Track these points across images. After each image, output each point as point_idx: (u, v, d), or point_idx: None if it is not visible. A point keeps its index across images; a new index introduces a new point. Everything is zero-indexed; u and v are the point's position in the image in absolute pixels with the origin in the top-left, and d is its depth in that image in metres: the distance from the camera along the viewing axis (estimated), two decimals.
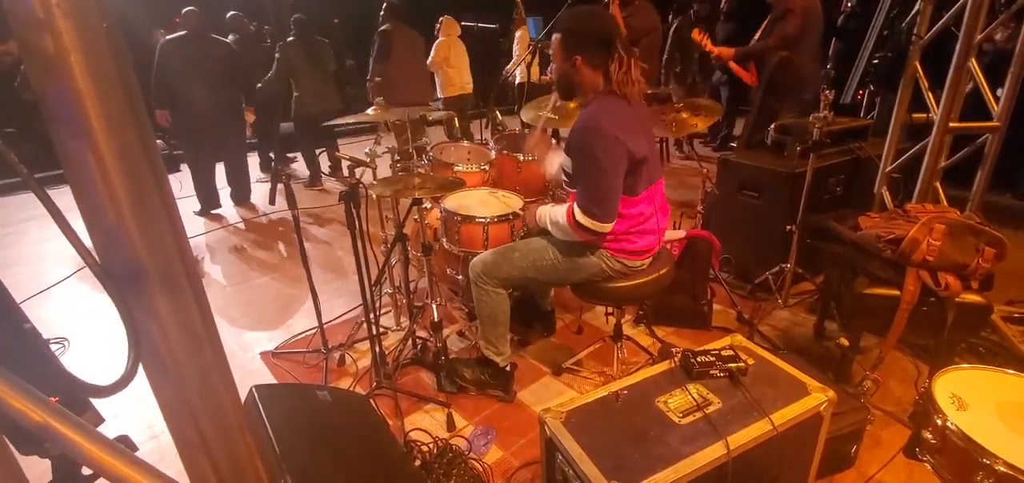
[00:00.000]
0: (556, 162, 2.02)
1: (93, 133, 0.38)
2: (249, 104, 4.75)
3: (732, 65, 4.01)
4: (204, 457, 0.54)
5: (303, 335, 2.74)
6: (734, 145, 5.63)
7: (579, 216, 1.81)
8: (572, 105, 2.72)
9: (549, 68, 2.52)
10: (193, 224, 4.60)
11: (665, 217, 2.01)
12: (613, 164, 1.76)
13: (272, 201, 2.22)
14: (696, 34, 3.75)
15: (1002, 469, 0.97)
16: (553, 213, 1.97)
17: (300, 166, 5.98)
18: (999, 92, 2.57)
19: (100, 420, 0.64)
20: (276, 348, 2.66)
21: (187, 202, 4.84)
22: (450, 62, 5.64)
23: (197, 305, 0.48)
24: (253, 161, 5.98)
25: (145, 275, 0.43)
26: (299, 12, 5.03)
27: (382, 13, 5.16)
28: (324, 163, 5.75)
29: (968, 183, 2.76)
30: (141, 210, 0.41)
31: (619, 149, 1.75)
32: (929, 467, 1.13)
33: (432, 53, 5.59)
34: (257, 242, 4.25)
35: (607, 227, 1.82)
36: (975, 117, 2.64)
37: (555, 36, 1.86)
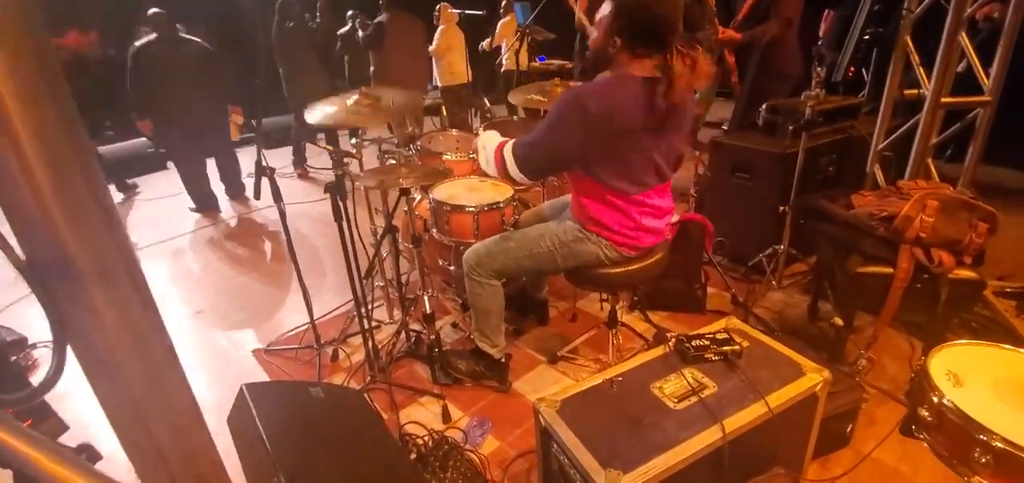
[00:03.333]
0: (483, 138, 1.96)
1: (6, 113, 0.35)
2: (235, 105, 4.65)
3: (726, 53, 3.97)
4: (159, 462, 0.51)
5: (296, 331, 2.71)
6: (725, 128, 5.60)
7: (507, 153, 1.78)
8: (560, 88, 2.68)
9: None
10: (185, 221, 4.54)
11: (670, 212, 1.97)
12: (569, 144, 1.67)
13: (257, 195, 2.19)
14: None
15: (999, 445, 0.96)
16: (488, 139, 1.92)
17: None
18: (990, 69, 2.56)
19: (63, 429, 0.61)
20: (268, 345, 2.63)
21: (180, 199, 4.79)
22: (451, 50, 5.59)
23: (139, 298, 0.45)
24: (247, 156, 5.90)
25: (76, 269, 0.39)
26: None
27: (381, 2, 5.09)
28: (312, 154, 5.70)
29: (960, 158, 2.76)
30: (66, 198, 0.38)
31: (588, 132, 1.63)
32: (926, 445, 1.12)
33: (435, 41, 5.53)
34: (249, 238, 4.21)
35: (520, 177, 1.79)
36: (966, 93, 2.64)
37: (607, 3, 1.68)
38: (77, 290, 0.40)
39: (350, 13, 5.41)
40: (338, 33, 5.52)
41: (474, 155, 2.79)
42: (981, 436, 0.99)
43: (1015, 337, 2.13)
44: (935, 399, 1.11)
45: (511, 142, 1.80)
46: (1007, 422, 1.00)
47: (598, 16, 1.72)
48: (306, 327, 2.51)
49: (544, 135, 1.72)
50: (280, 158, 5.77)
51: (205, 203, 4.71)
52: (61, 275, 0.39)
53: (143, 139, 6.09)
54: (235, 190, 4.96)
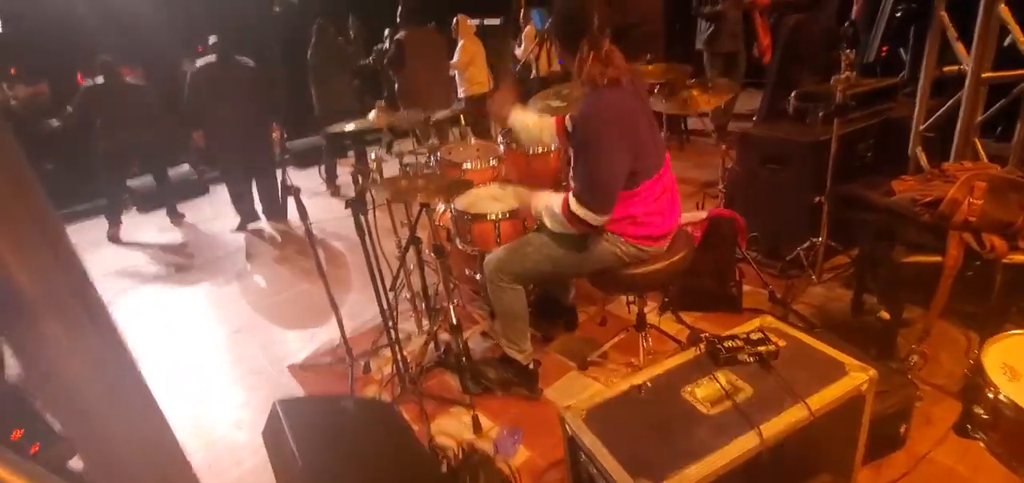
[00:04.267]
0: (525, 119, 2.01)
1: None
2: (277, 123, 4.88)
3: (757, 17, 3.85)
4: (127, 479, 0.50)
5: (329, 346, 2.76)
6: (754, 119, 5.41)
7: (574, 205, 1.75)
8: (578, 92, 2.65)
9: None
10: (230, 241, 4.71)
11: (676, 197, 1.94)
12: (611, 151, 1.70)
13: (283, 214, 2.25)
14: None
15: None
16: (549, 202, 1.90)
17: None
18: None
19: (72, 452, 0.62)
20: (303, 361, 2.68)
21: (218, 222, 4.97)
22: (474, 63, 5.64)
23: (106, 334, 0.45)
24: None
25: (29, 304, 0.39)
26: (321, 16, 5.13)
27: (398, 17, 5.19)
28: (343, 170, 5.83)
29: (1009, 136, 2.59)
30: (8, 232, 0.38)
31: (619, 138, 1.70)
32: (982, 445, 1.04)
33: (457, 55, 5.60)
34: (287, 256, 4.32)
35: (602, 219, 1.76)
36: (1011, 66, 2.47)
37: None
38: (31, 326, 0.39)
39: (388, 31, 5.54)
40: (376, 49, 5.64)
41: (495, 162, 2.80)
42: None
43: None
44: (990, 395, 1.03)
45: (571, 196, 1.78)
46: None
47: None
48: (339, 341, 2.55)
49: (596, 165, 1.72)
50: (311, 178, 5.93)
51: (250, 218, 4.90)
52: (12, 310, 0.39)
53: (185, 166, 6.39)
54: (275, 211, 5.11)
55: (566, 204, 1.79)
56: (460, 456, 1.80)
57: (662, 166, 1.86)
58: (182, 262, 4.43)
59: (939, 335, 2.08)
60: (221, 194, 5.39)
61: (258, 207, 4.99)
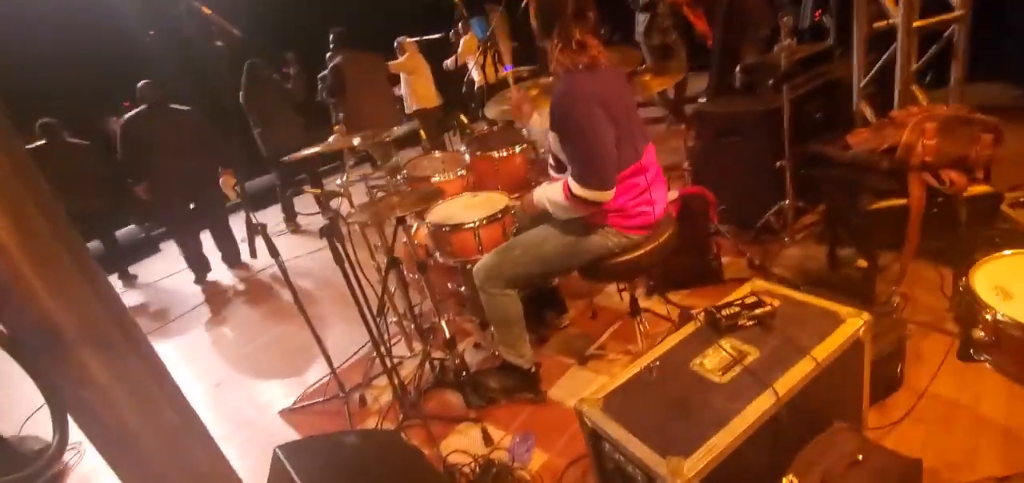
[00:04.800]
0: (543, 120, 1.96)
1: None
2: (226, 167, 4.64)
3: (687, 10, 3.99)
4: None
5: (319, 384, 2.66)
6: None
7: (576, 189, 1.74)
8: (534, 91, 2.66)
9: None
10: (188, 298, 4.48)
11: (662, 182, 1.97)
12: (599, 126, 1.69)
13: (252, 254, 2.16)
14: None
15: None
16: (550, 193, 1.89)
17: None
18: None
19: None
20: (293, 403, 2.58)
21: (174, 278, 4.72)
22: (417, 71, 5.60)
23: (144, 362, 0.42)
24: (238, 221, 5.90)
25: (63, 338, 0.36)
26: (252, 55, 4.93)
27: (331, 43, 5.08)
28: (302, 206, 5.65)
29: (938, 82, 2.77)
30: (40, 260, 0.35)
31: (597, 110, 1.69)
32: (988, 365, 1.09)
33: (401, 59, 5.57)
34: (255, 301, 4.16)
35: (607, 195, 1.75)
36: (936, 12, 2.64)
37: None
38: (68, 361, 0.36)
39: (328, 55, 5.42)
40: (320, 77, 5.50)
41: (463, 172, 2.77)
42: None
43: None
44: (989, 317, 1.08)
45: (571, 180, 1.77)
46: None
47: None
48: (328, 378, 2.47)
49: (585, 143, 1.71)
50: (269, 217, 5.73)
51: (205, 268, 4.67)
52: (43, 343, 0.36)
53: (132, 227, 6.06)
54: (232, 258, 4.90)
55: (567, 189, 1.77)
56: (477, 471, 1.76)
57: (645, 152, 1.87)
58: (145, 324, 4.19)
59: (914, 274, 2.18)
60: (172, 249, 5.15)
61: (215, 255, 4.78)
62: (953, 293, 2.05)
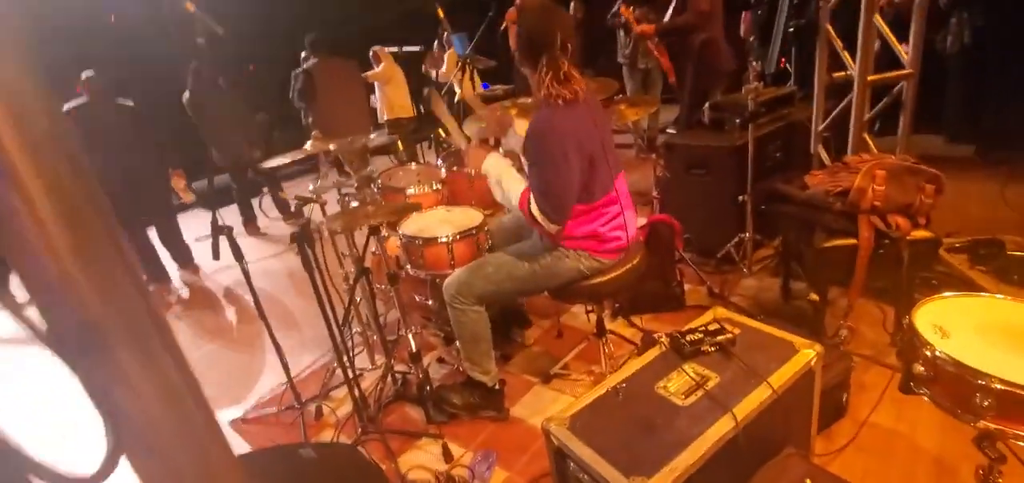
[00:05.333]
0: (500, 170, 1.98)
1: (13, 167, 0.31)
2: (175, 168, 4.45)
3: (651, 46, 4.15)
4: None
5: (272, 394, 2.56)
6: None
7: (536, 212, 1.80)
8: (513, 111, 2.70)
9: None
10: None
11: (633, 209, 2.03)
12: (566, 166, 1.74)
13: (215, 256, 2.08)
14: (624, 9, 3.82)
15: (999, 387, 1.01)
16: (504, 181, 1.92)
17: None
18: (905, 46, 2.79)
19: None
20: (245, 414, 2.47)
21: None
22: (392, 81, 5.57)
23: (174, 362, 0.41)
24: (192, 220, 5.65)
25: (103, 335, 0.35)
26: (201, 60, 4.75)
27: (306, 48, 5.00)
28: (270, 209, 5.48)
29: (885, 132, 2.98)
30: (88, 256, 0.34)
31: (571, 149, 1.73)
32: (926, 398, 1.17)
33: (378, 68, 5.54)
34: (206, 305, 3.98)
35: (557, 228, 1.82)
36: (885, 70, 2.86)
37: None
38: (105, 359, 0.35)
39: (302, 57, 5.33)
40: (295, 74, 5.38)
41: (438, 186, 2.77)
42: (980, 381, 1.04)
43: (974, 287, 2.28)
44: (928, 353, 1.16)
45: (532, 198, 1.81)
46: (1000, 364, 1.05)
47: None
48: (284, 388, 2.38)
49: (546, 176, 1.75)
50: (228, 218, 5.52)
51: (156, 274, 4.44)
52: (86, 343, 0.35)
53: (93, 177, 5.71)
54: (183, 258, 4.68)
55: (526, 202, 1.82)
56: None
57: (617, 180, 1.92)
58: None
59: (858, 310, 2.32)
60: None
61: (165, 255, 4.56)
62: (895, 329, 2.19)
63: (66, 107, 3.88)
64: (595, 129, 1.83)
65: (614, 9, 4.94)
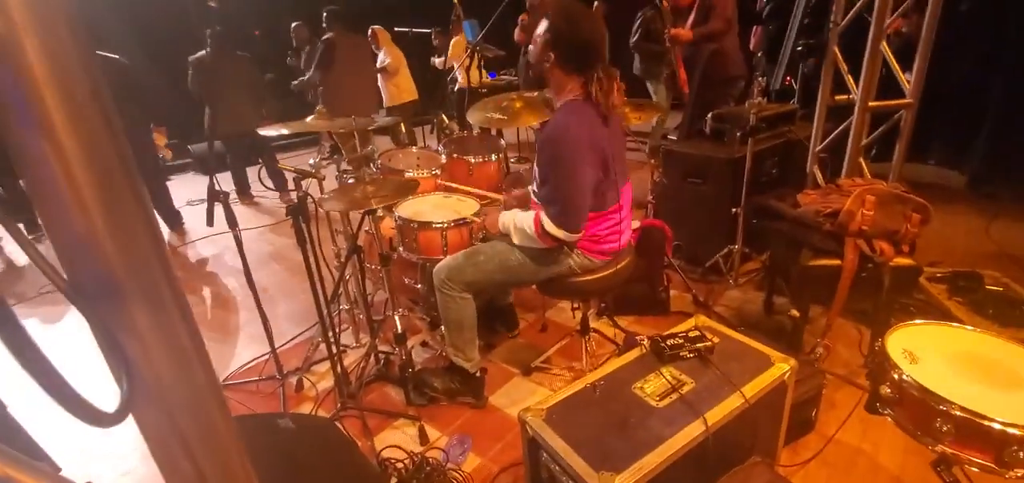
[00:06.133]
0: (511, 218, 1.99)
1: (52, 124, 0.32)
2: (158, 125, 4.41)
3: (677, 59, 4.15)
4: None
5: (253, 363, 2.58)
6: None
7: (549, 226, 1.80)
8: (518, 104, 2.72)
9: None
10: None
11: (631, 215, 2.05)
12: (584, 174, 1.75)
13: (210, 222, 2.08)
14: (665, 2, 3.77)
15: (958, 414, 1.05)
16: (518, 220, 1.94)
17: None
18: (908, 74, 2.82)
19: (56, 470, 0.56)
20: (225, 379, 2.48)
21: None
22: (400, 70, 5.56)
23: (183, 321, 0.43)
24: (179, 185, 5.63)
25: (121, 290, 0.37)
26: (218, 24, 4.73)
27: (325, 20, 4.98)
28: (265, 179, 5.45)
29: (881, 157, 3.01)
30: (114, 215, 0.35)
31: (589, 158, 1.75)
32: (890, 419, 1.20)
33: (388, 60, 5.51)
34: (189, 271, 3.97)
35: (576, 237, 1.83)
36: (885, 97, 2.89)
37: (544, 21, 1.80)
38: (120, 313, 0.37)
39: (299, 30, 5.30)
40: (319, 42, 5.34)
41: (437, 172, 2.78)
42: (941, 407, 1.08)
43: (950, 317, 2.33)
44: (895, 376, 1.19)
45: (544, 216, 1.81)
46: (962, 392, 1.09)
47: (535, 32, 1.84)
48: (266, 358, 2.40)
49: (566, 185, 1.76)
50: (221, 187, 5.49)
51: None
52: (104, 296, 0.36)
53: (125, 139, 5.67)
54: (171, 220, 4.65)
55: (539, 224, 1.83)
56: (410, 467, 1.76)
57: (623, 191, 1.93)
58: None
59: (836, 330, 2.36)
60: None
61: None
62: (868, 351, 2.23)
63: None
64: (612, 137, 1.84)
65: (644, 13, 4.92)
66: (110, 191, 0.35)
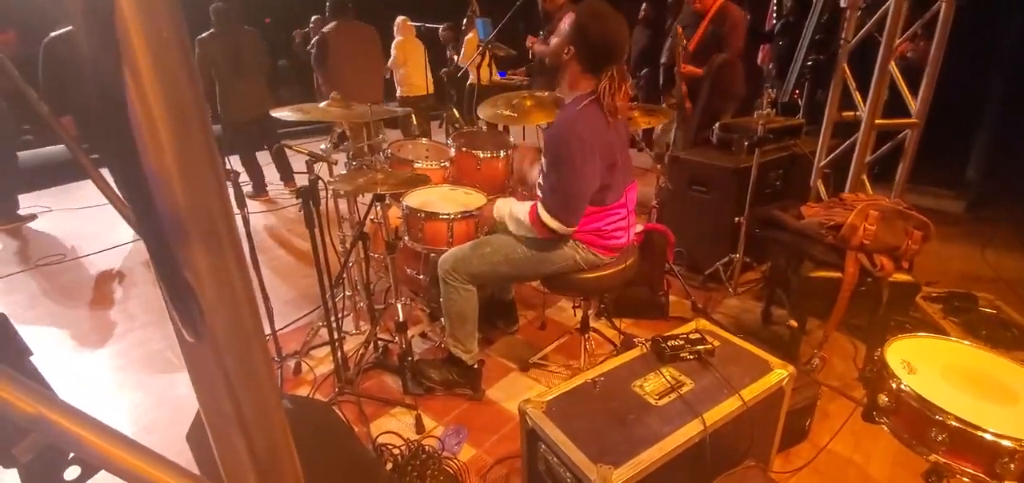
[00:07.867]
0: (507, 207, 2.04)
1: (137, 64, 0.33)
2: None
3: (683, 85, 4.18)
4: (238, 433, 0.49)
5: None
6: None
7: (544, 216, 1.83)
8: (528, 102, 2.73)
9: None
10: (120, 230, 4.22)
11: (634, 215, 2.07)
12: (586, 170, 1.78)
13: None
14: (681, 32, 3.78)
15: (954, 424, 1.07)
16: (514, 209, 1.97)
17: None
18: (915, 96, 2.84)
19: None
20: None
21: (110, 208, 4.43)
22: (409, 62, 5.55)
23: (237, 265, 0.44)
24: None
25: (185, 229, 0.38)
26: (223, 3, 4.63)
27: (327, 10, 4.95)
28: (271, 173, 5.40)
29: (883, 177, 3.03)
30: (185, 153, 0.37)
31: (594, 156, 1.77)
32: (886, 428, 1.22)
33: (393, 53, 5.50)
34: None
35: (570, 229, 1.86)
36: (890, 117, 2.91)
37: (569, 14, 1.82)
38: (183, 249, 0.38)
39: (314, 20, 5.28)
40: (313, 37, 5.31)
41: (446, 164, 2.79)
42: (937, 417, 1.10)
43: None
44: (893, 385, 1.21)
45: (540, 206, 1.85)
46: (958, 404, 1.11)
47: (561, 23, 1.85)
48: (266, 339, 2.40)
49: (565, 178, 1.78)
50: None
51: None
52: (169, 232, 0.38)
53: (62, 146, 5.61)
54: None
55: (535, 212, 1.85)
56: (405, 454, 1.77)
57: (628, 190, 1.96)
58: (80, 248, 3.93)
59: (832, 343, 2.38)
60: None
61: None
62: (864, 364, 2.25)
63: (50, 36, 3.67)
64: (618, 138, 1.87)
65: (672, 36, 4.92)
66: (184, 134, 0.36)
